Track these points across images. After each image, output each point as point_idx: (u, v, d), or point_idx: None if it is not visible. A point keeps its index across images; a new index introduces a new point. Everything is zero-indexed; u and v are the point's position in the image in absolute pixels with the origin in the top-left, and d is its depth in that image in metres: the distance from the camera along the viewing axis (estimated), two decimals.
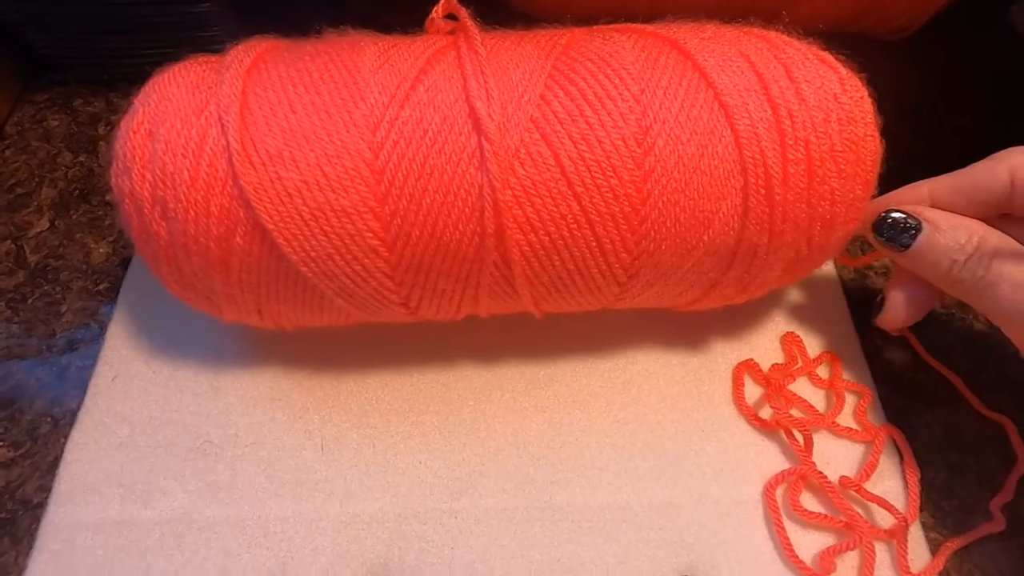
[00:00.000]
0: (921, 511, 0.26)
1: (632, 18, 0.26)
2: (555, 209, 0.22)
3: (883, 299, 0.27)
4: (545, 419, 0.28)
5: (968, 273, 0.23)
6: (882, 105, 0.25)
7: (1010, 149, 0.24)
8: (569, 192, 0.22)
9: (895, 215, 0.24)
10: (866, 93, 0.24)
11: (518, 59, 0.22)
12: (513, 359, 0.29)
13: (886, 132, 0.25)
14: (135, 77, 0.24)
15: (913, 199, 0.25)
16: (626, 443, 0.27)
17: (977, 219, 0.24)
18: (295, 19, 0.26)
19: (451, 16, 0.25)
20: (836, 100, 0.23)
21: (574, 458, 0.27)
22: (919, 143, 0.35)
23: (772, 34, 0.25)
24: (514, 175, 0.21)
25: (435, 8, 0.25)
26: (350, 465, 0.27)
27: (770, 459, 0.27)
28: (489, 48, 0.23)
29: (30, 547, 0.25)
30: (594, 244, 0.22)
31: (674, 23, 0.25)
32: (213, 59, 0.24)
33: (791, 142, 0.22)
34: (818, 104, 0.23)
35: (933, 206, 0.25)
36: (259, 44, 0.24)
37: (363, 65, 0.22)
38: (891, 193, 0.26)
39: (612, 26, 0.26)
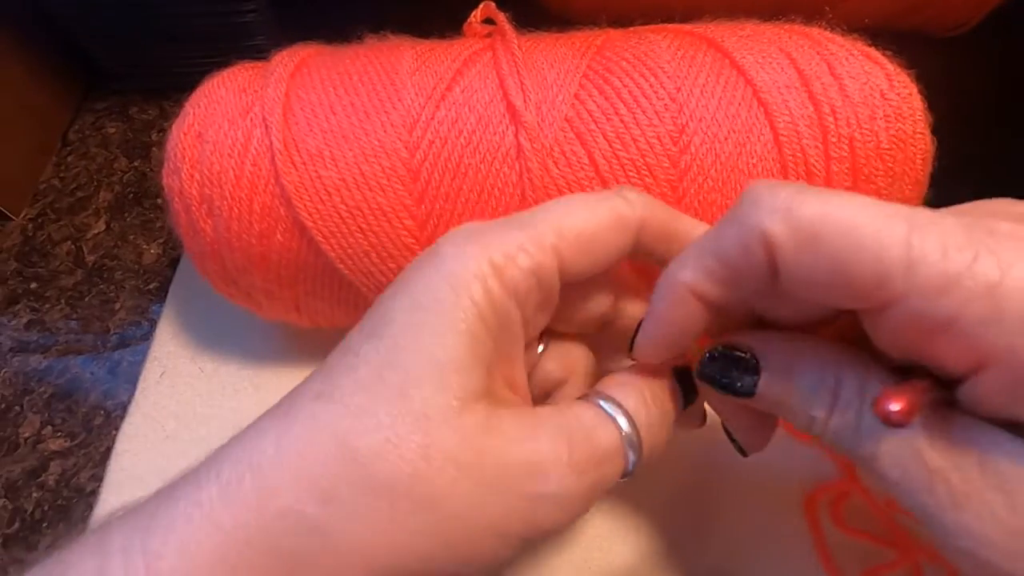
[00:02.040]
0: None
1: (668, 19, 0.26)
2: None
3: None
4: None
5: (837, 439, 0.15)
6: (934, 103, 0.24)
7: (752, 196, 0.14)
8: None
9: (725, 352, 0.17)
10: (915, 89, 0.23)
11: (553, 59, 0.23)
12: None
13: (939, 131, 0.24)
14: (187, 85, 0.25)
15: (685, 319, 0.16)
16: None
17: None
18: (337, 26, 0.27)
19: (489, 21, 0.25)
20: (882, 96, 0.22)
21: None
22: (975, 143, 0.34)
23: (814, 31, 0.24)
24: (548, 174, 0.21)
25: (473, 13, 0.25)
26: None
27: (812, 471, 0.26)
28: (525, 49, 0.23)
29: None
30: None
31: (712, 22, 0.25)
32: (259, 65, 0.25)
33: (834, 140, 0.21)
34: (863, 100, 0.22)
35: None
36: (302, 50, 0.25)
37: (401, 67, 0.23)
38: (653, 315, 0.17)
39: (648, 27, 0.25)
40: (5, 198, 0.35)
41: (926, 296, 0.13)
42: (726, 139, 0.21)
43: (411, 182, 0.22)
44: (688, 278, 0.16)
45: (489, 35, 0.25)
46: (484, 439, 0.15)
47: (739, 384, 0.16)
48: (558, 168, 0.21)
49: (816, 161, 0.21)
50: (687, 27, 0.24)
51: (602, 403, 0.17)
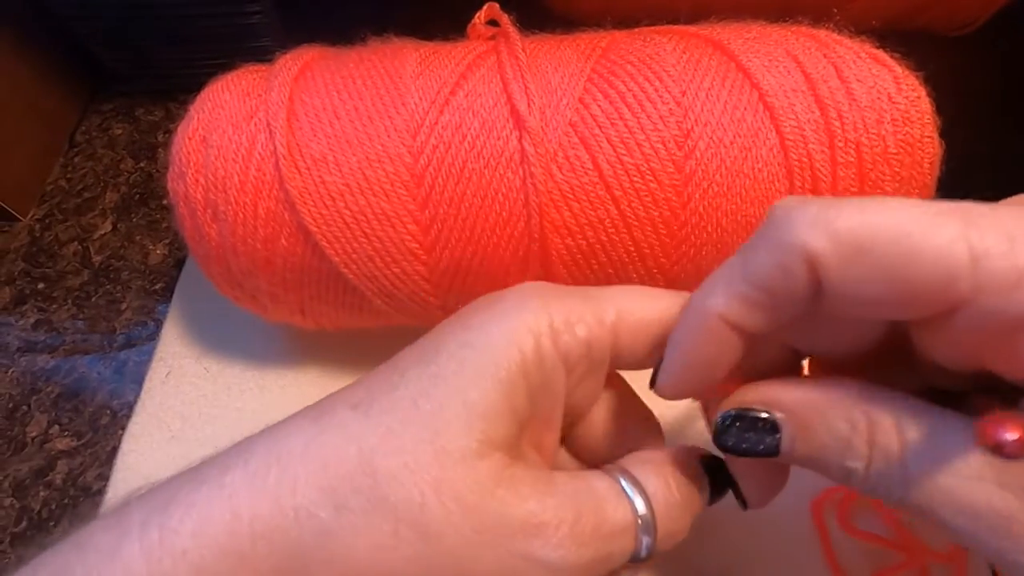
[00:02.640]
0: None
1: (674, 20, 0.26)
2: (593, 213, 0.22)
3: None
4: None
5: (883, 491, 0.14)
6: (941, 105, 0.23)
7: (785, 214, 0.14)
8: (607, 196, 0.21)
9: (740, 415, 0.16)
10: (923, 92, 0.23)
11: (557, 62, 0.22)
12: None
13: (946, 133, 0.23)
14: (192, 86, 0.25)
15: (711, 345, 0.15)
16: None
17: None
18: (341, 28, 0.27)
19: (493, 22, 0.25)
20: (890, 100, 0.22)
21: None
22: (982, 144, 0.33)
23: (821, 33, 0.24)
24: (552, 179, 0.21)
25: (477, 14, 0.25)
26: None
27: (819, 475, 0.26)
28: (529, 52, 0.23)
29: None
30: (632, 248, 0.22)
31: (718, 24, 0.25)
32: (263, 68, 0.25)
33: (841, 144, 0.21)
34: (870, 104, 0.22)
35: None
36: (306, 53, 0.25)
37: (405, 71, 0.22)
38: (679, 340, 0.16)
39: (653, 28, 0.25)
40: (13, 199, 0.35)
41: (998, 293, 0.11)
42: (731, 144, 0.21)
43: (415, 187, 0.22)
44: (720, 306, 0.14)
45: (493, 37, 0.25)
46: (494, 487, 0.15)
47: (760, 447, 0.15)
48: (562, 173, 0.21)
49: (822, 166, 0.21)
50: (693, 29, 0.24)
51: (621, 478, 0.16)
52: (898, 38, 0.24)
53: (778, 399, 0.15)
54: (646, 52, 0.23)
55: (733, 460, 0.17)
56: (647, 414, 0.19)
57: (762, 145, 0.21)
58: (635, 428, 0.19)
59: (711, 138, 0.21)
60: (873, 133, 0.22)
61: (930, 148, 0.23)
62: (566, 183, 0.21)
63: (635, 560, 0.16)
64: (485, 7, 0.25)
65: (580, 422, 0.19)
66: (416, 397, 0.15)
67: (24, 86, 0.36)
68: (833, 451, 0.15)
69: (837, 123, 0.21)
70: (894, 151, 0.22)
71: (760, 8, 0.26)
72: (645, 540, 0.16)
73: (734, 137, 0.21)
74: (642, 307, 0.17)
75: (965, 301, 0.12)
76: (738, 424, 0.16)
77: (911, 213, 0.12)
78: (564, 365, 0.16)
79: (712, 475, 0.18)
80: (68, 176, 0.37)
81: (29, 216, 0.36)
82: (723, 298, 0.14)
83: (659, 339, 0.17)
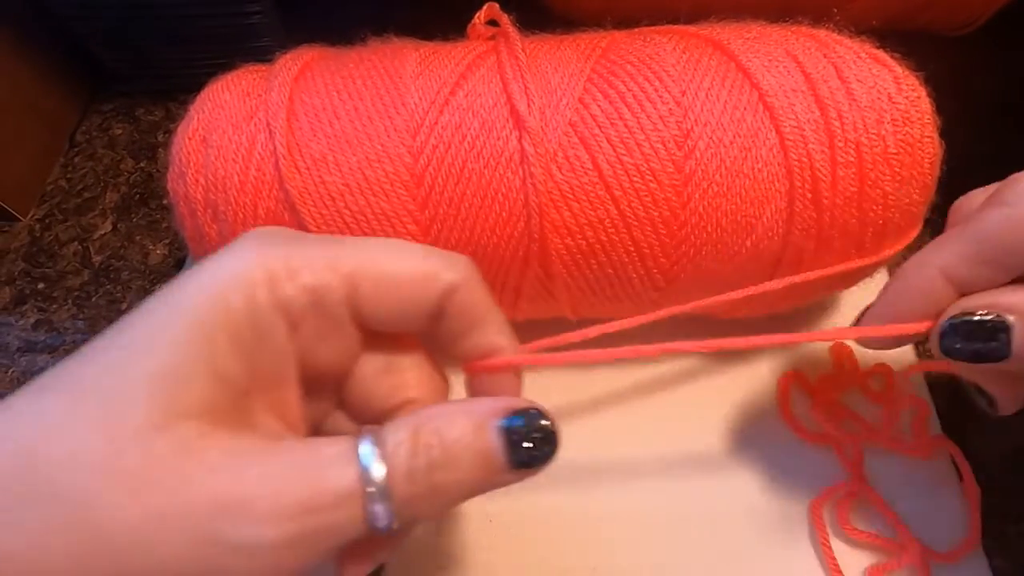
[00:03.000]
0: (984, 536, 0.25)
1: (674, 20, 0.26)
2: (593, 213, 0.22)
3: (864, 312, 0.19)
4: (584, 425, 0.28)
5: None
6: (942, 105, 0.23)
7: (1008, 183, 0.17)
8: (607, 196, 0.21)
9: (964, 319, 0.16)
10: (923, 92, 0.23)
11: (557, 62, 0.22)
12: (551, 366, 0.29)
13: (946, 133, 0.23)
14: (192, 86, 0.25)
15: (924, 288, 0.17)
16: (669, 452, 0.27)
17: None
18: (341, 28, 0.27)
19: (493, 22, 0.25)
20: (890, 100, 0.22)
21: (614, 466, 0.27)
22: (982, 144, 0.33)
23: (821, 32, 0.24)
24: (552, 179, 0.21)
25: (477, 14, 0.25)
26: None
27: (818, 473, 0.26)
28: (529, 52, 0.23)
29: None
30: (632, 249, 0.22)
31: (717, 24, 0.25)
32: (263, 68, 0.25)
33: (840, 144, 0.21)
34: (870, 104, 0.22)
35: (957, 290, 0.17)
36: (306, 53, 0.25)
37: (404, 71, 0.22)
38: (888, 290, 0.18)
39: (653, 28, 0.25)
40: (13, 199, 0.35)
41: None
42: (731, 143, 0.21)
43: (414, 187, 0.22)
44: (943, 260, 0.16)
45: (493, 37, 0.25)
46: (177, 463, 0.13)
47: (990, 349, 0.16)
48: (562, 173, 0.21)
49: (822, 166, 0.21)
50: (692, 29, 0.24)
51: (364, 441, 0.14)
52: (898, 38, 0.24)
53: (1000, 301, 0.16)
54: (646, 52, 0.23)
55: (977, 377, 0.18)
56: (433, 376, 0.18)
57: (762, 145, 0.21)
58: (414, 389, 0.17)
59: (711, 138, 0.21)
60: (873, 133, 0.22)
61: (930, 148, 0.23)
62: (566, 183, 0.21)
63: (379, 531, 0.14)
64: (485, 7, 0.25)
65: (348, 382, 0.17)
66: (100, 373, 0.14)
67: (24, 86, 0.36)
68: None
69: (837, 123, 0.21)
70: (894, 151, 0.22)
71: (760, 8, 0.26)
72: (379, 508, 0.14)
73: (734, 137, 0.21)
74: (389, 259, 0.15)
75: None
76: (964, 330, 0.16)
77: None
78: (285, 318, 0.15)
79: (512, 438, 0.15)
80: (68, 176, 0.37)
81: (29, 216, 0.36)
82: (948, 254, 0.16)
83: (410, 298, 0.15)
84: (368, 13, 0.32)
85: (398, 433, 0.14)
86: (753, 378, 0.28)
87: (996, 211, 0.17)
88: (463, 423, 0.15)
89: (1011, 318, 0.16)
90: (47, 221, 0.36)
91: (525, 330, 0.27)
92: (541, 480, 0.26)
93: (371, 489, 0.14)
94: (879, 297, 0.18)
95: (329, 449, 0.14)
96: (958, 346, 0.16)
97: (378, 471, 0.14)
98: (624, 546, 0.25)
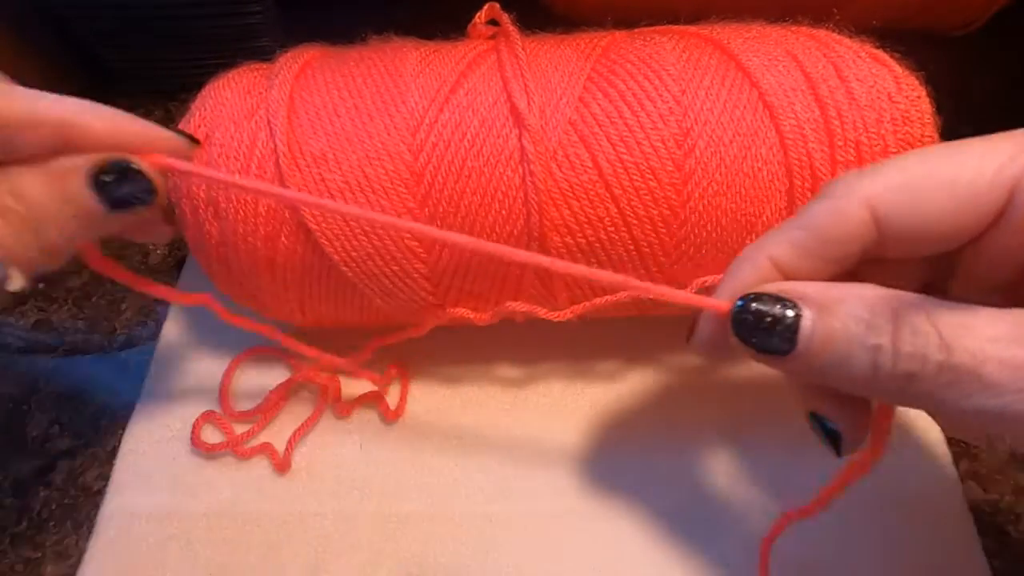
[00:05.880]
0: (984, 536, 0.25)
1: (674, 20, 0.26)
2: (592, 211, 0.22)
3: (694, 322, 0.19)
4: (582, 428, 0.28)
5: (915, 363, 0.14)
6: (942, 104, 0.23)
7: (843, 178, 0.17)
8: (607, 194, 0.21)
9: (754, 304, 0.16)
10: (923, 92, 0.23)
11: (557, 62, 0.23)
12: (551, 368, 0.29)
13: (946, 133, 0.23)
14: (192, 86, 0.25)
15: (755, 277, 0.17)
16: (666, 454, 0.27)
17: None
18: (342, 27, 0.27)
19: (493, 22, 0.25)
20: (890, 99, 0.22)
21: (610, 467, 0.27)
22: None
23: (821, 32, 0.24)
24: (551, 177, 0.21)
25: (478, 14, 0.25)
26: (388, 465, 0.27)
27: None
28: (529, 51, 0.23)
29: (89, 532, 0.26)
30: (631, 246, 0.22)
31: (718, 24, 0.25)
32: (264, 66, 0.25)
33: (840, 143, 0.21)
34: (870, 104, 0.22)
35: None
36: (307, 51, 0.25)
37: (405, 69, 0.23)
38: (726, 276, 0.18)
39: (653, 28, 0.25)
40: None
41: None
42: (731, 142, 0.21)
43: (414, 185, 0.22)
44: (771, 248, 0.16)
45: (493, 36, 0.25)
46: None
47: (779, 326, 0.15)
48: (561, 172, 0.21)
49: (822, 165, 0.21)
50: (693, 28, 0.24)
51: None
52: (898, 38, 0.24)
53: (794, 289, 0.16)
54: (646, 52, 0.23)
55: (812, 399, 0.17)
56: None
57: (762, 144, 0.21)
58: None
59: (711, 137, 0.21)
60: (873, 132, 0.22)
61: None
62: (565, 181, 0.21)
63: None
64: (485, 7, 0.25)
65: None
66: None
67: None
68: (855, 333, 0.15)
69: (837, 122, 0.21)
70: (894, 151, 0.22)
71: (760, 8, 0.26)
72: None
73: (734, 136, 0.21)
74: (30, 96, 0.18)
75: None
76: (750, 316, 0.16)
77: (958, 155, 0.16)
78: None
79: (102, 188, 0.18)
80: None
81: None
82: (775, 242, 0.16)
83: (47, 133, 0.18)
84: (368, 13, 0.32)
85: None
86: (753, 380, 0.28)
87: (821, 203, 0.17)
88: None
89: (805, 307, 0.15)
90: None
91: (525, 330, 0.28)
92: (539, 484, 0.26)
93: None
94: (721, 280, 0.18)
95: None
96: (743, 328, 0.16)
97: None
98: (621, 546, 0.25)
